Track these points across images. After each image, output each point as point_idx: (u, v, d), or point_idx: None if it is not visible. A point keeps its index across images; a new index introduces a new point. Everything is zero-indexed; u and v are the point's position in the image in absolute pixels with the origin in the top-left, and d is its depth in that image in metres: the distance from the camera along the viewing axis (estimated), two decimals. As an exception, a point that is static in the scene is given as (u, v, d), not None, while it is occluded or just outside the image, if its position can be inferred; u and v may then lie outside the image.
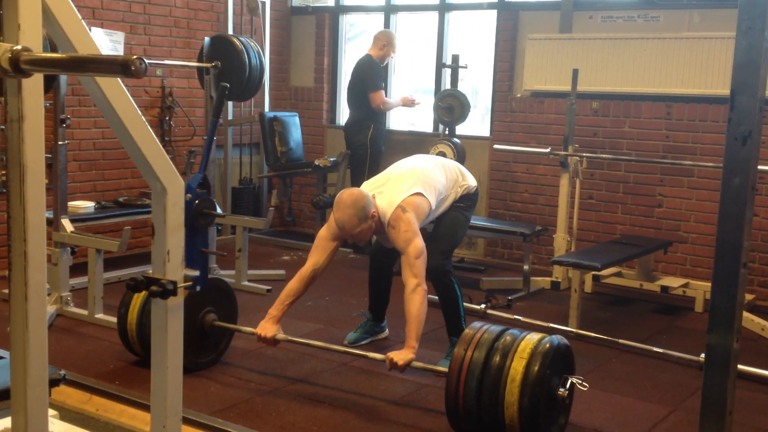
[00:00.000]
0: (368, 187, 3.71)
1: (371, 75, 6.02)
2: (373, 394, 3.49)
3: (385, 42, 6.09)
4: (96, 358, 3.80)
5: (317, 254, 3.63)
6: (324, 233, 3.66)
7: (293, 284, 3.61)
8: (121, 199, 5.32)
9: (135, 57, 1.51)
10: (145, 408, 2.97)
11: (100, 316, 4.27)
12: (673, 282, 5.12)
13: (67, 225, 4.33)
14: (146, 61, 1.52)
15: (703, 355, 3.82)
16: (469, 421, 2.95)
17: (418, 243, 3.46)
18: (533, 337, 2.96)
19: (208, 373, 3.62)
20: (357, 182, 5.54)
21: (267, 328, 3.52)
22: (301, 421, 3.18)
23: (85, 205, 4.94)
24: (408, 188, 3.60)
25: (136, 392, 3.22)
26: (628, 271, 5.26)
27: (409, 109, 6.49)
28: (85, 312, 4.30)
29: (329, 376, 3.68)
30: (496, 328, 3.06)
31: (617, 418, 3.31)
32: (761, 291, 5.15)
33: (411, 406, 3.39)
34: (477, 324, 3.14)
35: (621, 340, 4.13)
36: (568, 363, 3.04)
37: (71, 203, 4.74)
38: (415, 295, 3.37)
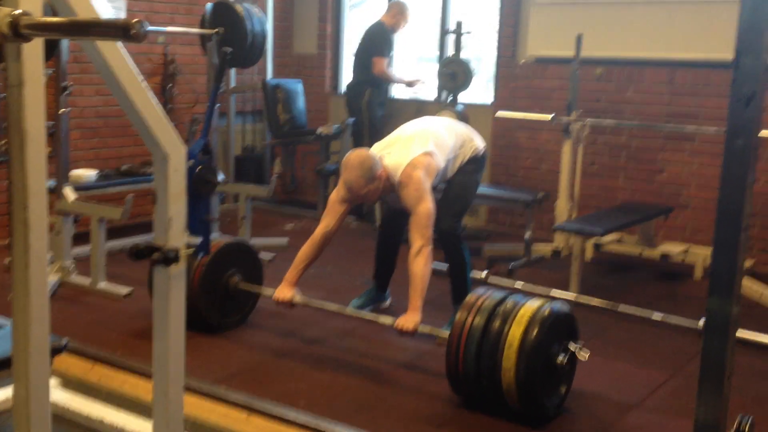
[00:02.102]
0: (377, 148, 3.73)
1: (379, 41, 6.00)
2: (377, 358, 3.53)
3: (396, 11, 6.06)
4: (98, 327, 3.83)
5: (328, 217, 3.67)
6: (334, 196, 3.69)
7: (306, 248, 3.66)
8: (123, 168, 5.32)
9: (135, 20, 1.50)
10: (148, 377, 2.96)
11: (102, 285, 4.28)
12: (674, 248, 5.12)
13: (70, 194, 4.33)
14: (147, 26, 1.52)
15: (701, 322, 3.86)
16: (468, 385, 2.98)
17: (429, 203, 3.48)
18: (534, 304, 2.96)
19: (221, 338, 3.68)
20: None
21: (284, 291, 3.62)
22: (305, 388, 3.21)
23: (88, 174, 4.94)
24: (417, 148, 3.61)
25: (138, 361, 3.23)
26: (629, 238, 5.27)
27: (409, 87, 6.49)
28: (87, 281, 4.32)
29: (335, 341, 3.72)
30: (498, 294, 3.07)
31: (617, 384, 3.34)
32: (761, 257, 5.16)
33: (415, 370, 3.43)
34: (480, 290, 3.15)
35: (621, 307, 4.15)
36: (571, 330, 3.03)
37: (73, 172, 4.74)
38: (420, 257, 3.40)
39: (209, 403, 2.94)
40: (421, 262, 3.39)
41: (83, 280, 4.34)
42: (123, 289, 4.23)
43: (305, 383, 3.26)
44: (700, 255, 4.98)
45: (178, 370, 2.17)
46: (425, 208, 3.46)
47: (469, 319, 2.97)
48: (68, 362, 3.18)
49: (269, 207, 6.51)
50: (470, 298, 3.08)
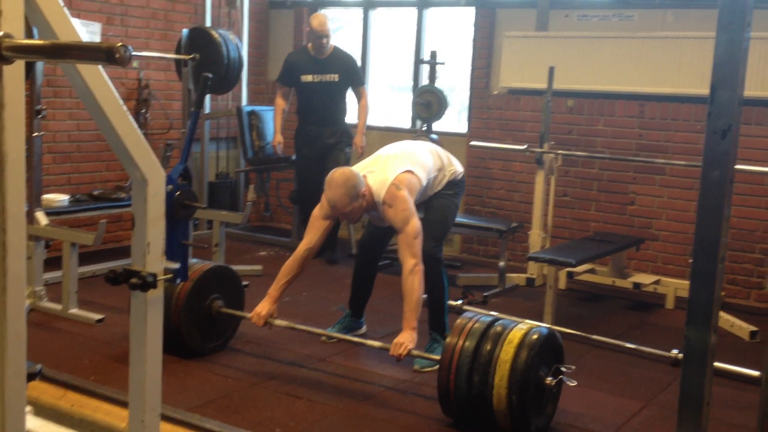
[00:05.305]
0: (359, 168, 3.75)
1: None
2: (355, 384, 3.51)
3: (307, 29, 5.80)
4: (70, 353, 3.77)
5: (311, 234, 3.70)
6: (317, 213, 3.71)
7: (289, 264, 3.69)
8: (95, 193, 5.26)
9: (120, 44, 1.50)
10: (121, 404, 2.94)
11: (74, 311, 4.22)
12: (645, 279, 5.19)
13: (42, 218, 4.28)
14: (132, 50, 1.52)
15: (674, 351, 3.92)
16: (459, 407, 3.03)
17: (416, 222, 3.52)
18: (522, 327, 3.05)
19: (196, 363, 3.65)
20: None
21: (264, 305, 3.64)
22: (281, 415, 3.18)
23: (60, 198, 4.89)
24: (399, 166, 3.64)
25: (111, 388, 3.18)
26: (601, 268, 5.33)
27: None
28: (59, 307, 4.25)
29: (312, 367, 3.70)
30: (487, 318, 3.16)
31: (592, 413, 3.36)
32: (729, 288, 5.24)
33: (395, 394, 3.41)
34: (469, 314, 3.23)
35: (594, 336, 4.19)
36: (557, 353, 3.13)
37: (45, 196, 4.69)
38: (414, 276, 3.44)
39: (184, 431, 2.90)
40: (416, 280, 3.44)
41: (54, 306, 4.27)
42: (95, 316, 4.18)
43: (281, 410, 3.23)
44: (672, 285, 5.05)
45: (155, 397, 2.14)
46: (413, 226, 3.50)
47: (460, 342, 3.04)
48: (40, 389, 3.12)
49: (243, 234, 6.48)
50: (460, 321, 3.15)
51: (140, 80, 5.85)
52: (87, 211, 5.00)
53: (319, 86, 5.59)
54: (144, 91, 5.86)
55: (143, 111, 5.85)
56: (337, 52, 5.67)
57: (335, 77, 5.60)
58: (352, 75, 5.67)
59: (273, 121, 5.92)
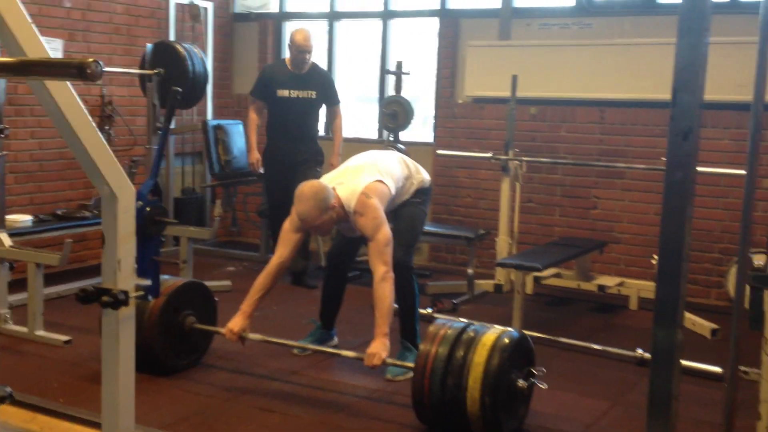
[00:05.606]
0: (327, 180, 3.77)
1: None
2: (328, 396, 3.52)
3: (288, 42, 5.49)
4: (38, 375, 3.71)
5: (282, 247, 3.70)
6: (287, 226, 3.71)
7: (261, 279, 3.69)
8: (59, 212, 5.20)
9: (91, 60, 1.51)
10: (92, 425, 2.90)
11: (41, 333, 4.15)
12: (609, 281, 5.29)
13: (5, 239, 4.21)
14: (103, 66, 1.52)
15: (639, 351, 3.99)
16: (434, 412, 3.07)
17: (387, 230, 3.55)
18: (494, 332, 3.10)
19: (169, 381, 3.62)
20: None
21: (237, 321, 3.62)
22: (253, 431, 3.17)
23: (23, 219, 4.82)
24: (368, 176, 3.67)
25: (81, 409, 3.12)
26: (567, 272, 5.41)
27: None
28: (25, 329, 4.17)
29: (284, 380, 3.69)
30: (459, 324, 3.21)
31: (562, 414, 3.41)
32: (690, 288, 5.32)
33: (368, 404, 3.42)
34: (441, 321, 3.30)
35: (562, 339, 4.25)
36: (529, 356, 3.18)
37: (8, 217, 4.61)
38: (385, 283, 3.46)
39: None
40: (387, 287, 3.46)
41: (20, 329, 4.20)
42: (62, 337, 4.11)
43: (255, 425, 3.21)
44: (635, 287, 5.15)
45: (129, 416, 2.13)
46: (384, 234, 3.53)
47: (434, 349, 3.08)
48: (9, 412, 3.06)
49: (211, 249, 6.43)
50: (433, 328, 3.19)
51: (103, 96, 5.80)
52: (51, 231, 4.92)
53: (296, 102, 5.38)
54: (107, 107, 5.81)
55: (107, 128, 5.79)
56: (316, 69, 5.53)
57: (313, 94, 5.42)
58: (330, 93, 5.51)
59: (246, 136, 5.67)
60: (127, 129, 6.00)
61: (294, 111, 5.39)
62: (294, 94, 5.38)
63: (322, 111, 5.64)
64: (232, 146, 6.22)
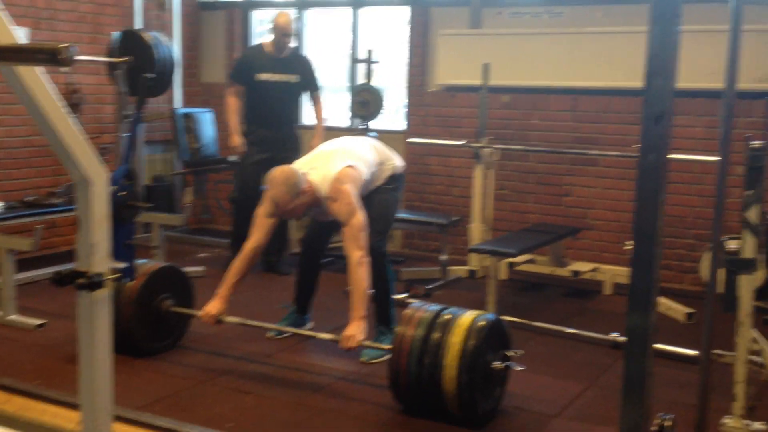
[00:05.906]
0: (300, 164, 3.78)
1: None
2: (302, 377, 3.53)
3: (272, 26, 5.38)
4: (12, 358, 3.70)
5: (257, 233, 3.71)
6: (261, 211, 3.73)
7: (237, 264, 3.71)
8: (28, 199, 5.13)
9: (63, 45, 1.49)
10: (68, 405, 2.94)
11: (13, 317, 4.15)
12: (583, 267, 5.35)
13: (-26, 226, 4.17)
14: (76, 51, 1.51)
15: (613, 334, 4.05)
16: (410, 393, 3.11)
17: (361, 215, 3.56)
18: (469, 315, 3.14)
19: (144, 363, 3.63)
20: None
21: (214, 305, 3.66)
22: (231, 410, 3.18)
23: (-8, 206, 4.75)
24: (341, 162, 3.68)
25: (57, 391, 3.14)
26: (541, 258, 5.46)
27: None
28: (-3, 314, 4.16)
29: (259, 362, 3.70)
30: (435, 307, 3.24)
31: (538, 396, 3.45)
32: (664, 273, 5.43)
33: (344, 385, 3.44)
34: (417, 304, 3.32)
35: (537, 323, 4.30)
36: (504, 339, 3.23)
37: (-24, 204, 4.55)
38: (361, 267, 3.48)
39: (135, 430, 2.88)
40: (362, 271, 3.49)
41: (-8, 314, 4.17)
42: (35, 321, 4.12)
43: (230, 406, 3.22)
44: (609, 272, 5.22)
45: (106, 398, 2.13)
46: (358, 219, 3.54)
47: (410, 331, 3.11)
48: (-17, 396, 3.06)
49: (182, 236, 6.40)
50: (408, 311, 3.22)
51: (69, 84, 5.71)
52: (21, 218, 4.87)
53: (277, 86, 5.31)
54: (74, 95, 5.72)
55: (74, 116, 5.70)
56: (296, 53, 5.50)
57: (295, 78, 5.37)
58: (311, 79, 5.46)
59: (227, 121, 5.44)
60: (95, 117, 5.92)
61: (274, 95, 5.33)
62: (274, 77, 5.32)
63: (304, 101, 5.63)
64: (201, 134, 6.18)
